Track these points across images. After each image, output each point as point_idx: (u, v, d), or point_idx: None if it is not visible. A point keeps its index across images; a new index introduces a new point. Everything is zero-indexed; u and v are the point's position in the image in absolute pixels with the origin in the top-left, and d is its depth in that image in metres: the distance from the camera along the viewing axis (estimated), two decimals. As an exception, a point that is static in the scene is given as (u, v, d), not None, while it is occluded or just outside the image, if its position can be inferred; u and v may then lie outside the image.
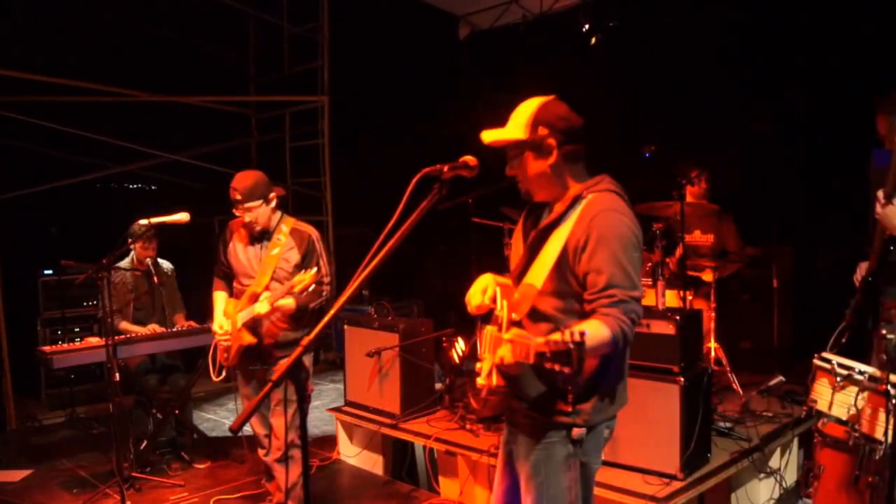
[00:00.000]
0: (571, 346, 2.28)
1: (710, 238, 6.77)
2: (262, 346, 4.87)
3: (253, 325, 4.82)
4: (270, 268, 4.81)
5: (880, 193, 3.79)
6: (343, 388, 6.71)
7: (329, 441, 6.87)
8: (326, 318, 2.60)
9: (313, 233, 4.95)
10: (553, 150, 2.89)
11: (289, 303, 4.72)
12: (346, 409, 6.51)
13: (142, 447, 6.27)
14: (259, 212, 4.77)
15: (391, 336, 6.10)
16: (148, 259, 6.65)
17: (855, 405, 3.19)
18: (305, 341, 2.56)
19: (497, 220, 6.32)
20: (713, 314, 6.27)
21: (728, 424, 5.41)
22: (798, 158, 7.38)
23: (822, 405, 3.45)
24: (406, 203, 2.54)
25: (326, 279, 4.88)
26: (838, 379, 3.27)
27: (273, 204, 4.85)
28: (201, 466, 6.39)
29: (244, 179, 4.74)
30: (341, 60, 10.41)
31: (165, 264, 6.89)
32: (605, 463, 4.88)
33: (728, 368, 6.26)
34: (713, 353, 6.25)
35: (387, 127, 10.45)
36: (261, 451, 5.22)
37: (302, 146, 10.78)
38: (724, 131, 7.55)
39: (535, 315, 2.88)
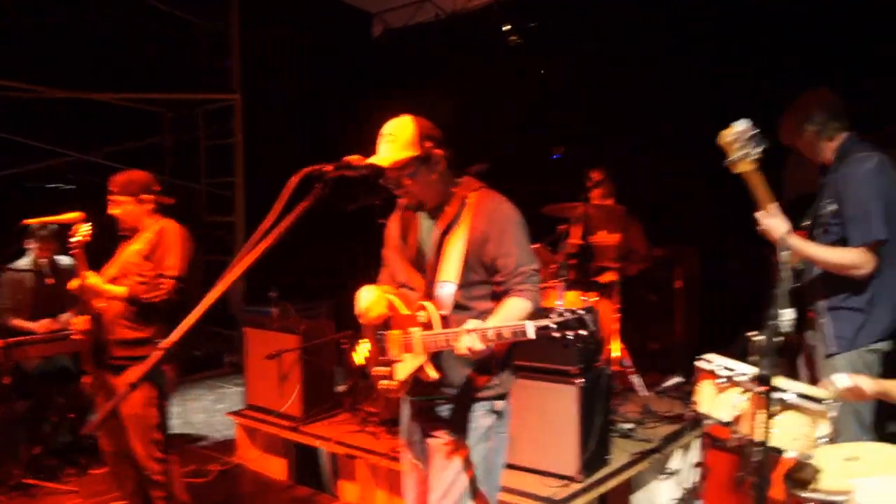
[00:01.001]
0: (582, 312, 2.67)
1: (615, 238, 6.77)
2: (101, 341, 4.56)
3: (95, 323, 4.57)
4: (123, 259, 4.59)
5: (758, 214, 3.68)
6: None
7: (230, 445, 6.68)
8: (192, 321, 2.48)
9: (171, 227, 4.65)
10: (441, 161, 3.15)
11: (118, 289, 4.44)
12: (247, 412, 6.36)
13: (35, 453, 6.03)
14: (126, 209, 4.58)
15: (292, 338, 5.97)
16: (44, 259, 6.42)
17: (736, 407, 3.18)
18: (165, 344, 2.48)
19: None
20: (617, 315, 6.26)
21: (629, 426, 5.41)
22: (706, 160, 7.40)
23: (704, 407, 3.42)
24: (297, 203, 2.49)
25: (169, 272, 4.47)
26: (720, 380, 3.25)
27: (147, 206, 4.64)
28: (97, 472, 6.16)
29: (124, 174, 4.63)
30: (255, 58, 10.22)
31: (67, 262, 6.64)
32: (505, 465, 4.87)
33: (632, 369, 6.26)
34: (616, 354, 6.26)
35: (301, 126, 10.28)
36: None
37: (216, 145, 10.55)
38: (632, 132, 7.57)
39: (455, 306, 3.10)
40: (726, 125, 3.37)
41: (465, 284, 3.11)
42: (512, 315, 2.98)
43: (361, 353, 5.41)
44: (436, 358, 3.06)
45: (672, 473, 5.31)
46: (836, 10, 6.51)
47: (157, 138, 10.93)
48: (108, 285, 4.46)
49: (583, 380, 4.58)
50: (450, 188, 3.23)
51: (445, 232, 3.17)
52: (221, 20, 10.16)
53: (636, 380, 6.21)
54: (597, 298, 6.59)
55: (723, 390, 3.23)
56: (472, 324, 2.86)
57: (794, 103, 4.03)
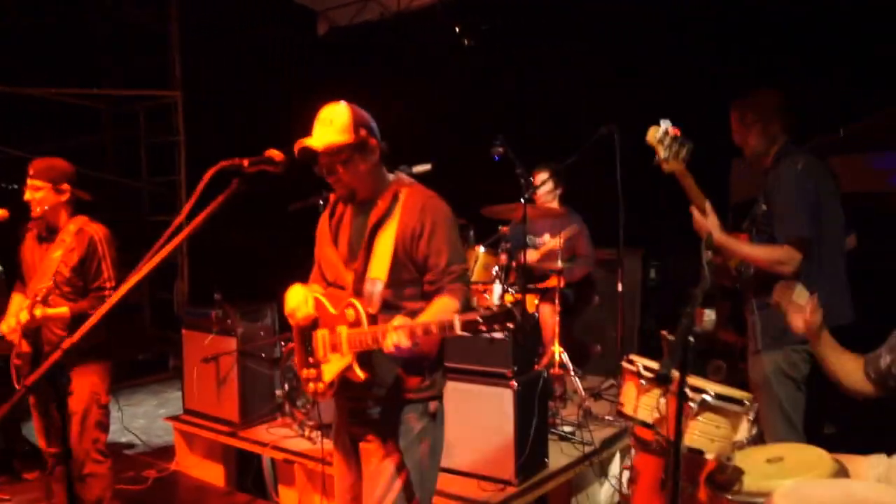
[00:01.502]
0: (510, 306, 2.66)
1: (559, 241, 6.72)
2: (43, 354, 4.46)
3: (32, 332, 4.46)
4: (51, 270, 4.45)
5: (692, 209, 3.88)
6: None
7: (168, 451, 6.56)
8: (94, 320, 2.59)
9: (98, 233, 4.54)
10: (376, 150, 3.12)
11: (61, 311, 4.38)
12: (185, 417, 6.25)
13: None
14: (43, 195, 4.45)
15: (229, 340, 5.87)
16: None
17: (658, 408, 3.17)
18: (66, 344, 2.53)
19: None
20: (557, 318, 6.22)
21: (569, 429, 5.38)
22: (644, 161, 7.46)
23: (628, 408, 3.43)
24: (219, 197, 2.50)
25: (110, 283, 4.46)
26: (643, 381, 3.23)
27: (64, 197, 4.53)
28: (31, 478, 6.03)
29: (45, 160, 4.53)
30: (198, 56, 10.07)
31: None
32: (441, 469, 4.82)
33: (572, 372, 6.24)
34: (558, 357, 6.23)
35: (245, 124, 10.15)
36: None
37: (158, 143, 10.40)
38: (575, 132, 7.56)
39: (384, 305, 3.05)
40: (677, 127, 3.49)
41: (394, 282, 3.07)
42: (441, 314, 2.92)
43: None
44: (364, 358, 3.00)
45: (611, 476, 5.30)
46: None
47: (97, 136, 10.74)
48: (52, 311, 4.35)
49: (518, 382, 4.54)
50: (383, 181, 3.19)
51: (376, 227, 3.12)
52: (162, 16, 9.98)
53: (577, 383, 6.18)
54: (538, 301, 6.58)
55: (645, 392, 3.22)
56: (398, 320, 2.83)
57: (751, 100, 4.13)
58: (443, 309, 2.97)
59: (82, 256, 4.45)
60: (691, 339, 2.39)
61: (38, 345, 4.48)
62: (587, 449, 5.10)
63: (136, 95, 10.23)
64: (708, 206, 3.78)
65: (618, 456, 5.41)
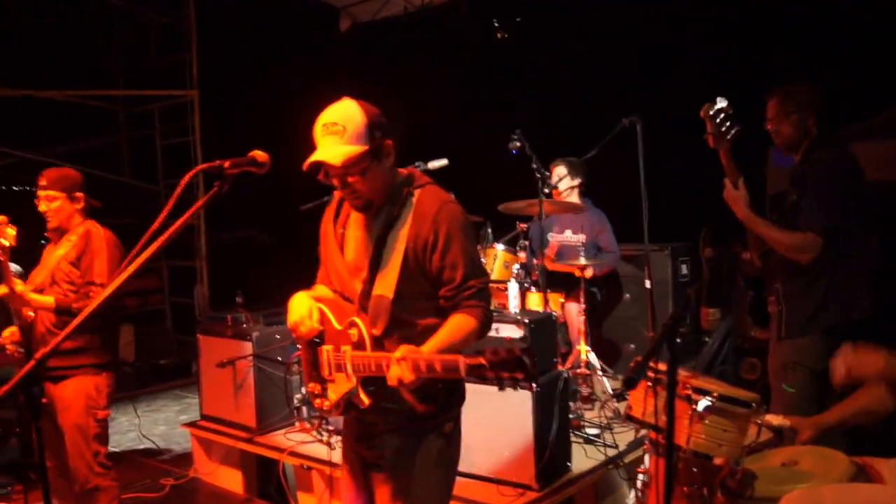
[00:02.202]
0: (520, 354, 2.35)
1: (581, 238, 6.58)
2: (34, 352, 4.38)
3: (26, 334, 4.42)
4: (50, 266, 4.43)
5: (726, 180, 3.95)
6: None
7: (188, 458, 6.45)
8: (73, 326, 2.39)
9: (99, 232, 4.50)
10: (391, 152, 2.82)
11: (46, 300, 4.29)
12: (202, 423, 6.14)
13: None
14: (59, 205, 4.44)
15: (245, 345, 5.74)
16: None
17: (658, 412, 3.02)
18: (39, 355, 2.37)
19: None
20: (583, 316, 6.06)
21: (594, 431, 5.22)
22: (688, 156, 7.34)
23: (636, 411, 3.29)
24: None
25: (98, 279, 4.33)
26: (650, 384, 3.07)
27: (79, 205, 4.52)
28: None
29: (57, 170, 4.49)
30: (215, 54, 9.98)
31: (15, 268, 6.41)
32: (460, 473, 4.69)
33: (599, 372, 6.07)
34: (584, 357, 6.07)
35: (264, 124, 10.06)
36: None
37: (174, 144, 10.31)
38: (597, 126, 7.42)
39: (393, 321, 2.82)
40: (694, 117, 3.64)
41: (403, 297, 2.80)
42: (456, 336, 2.72)
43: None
44: (369, 383, 2.77)
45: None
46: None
47: (112, 138, 10.69)
48: (35, 295, 4.29)
49: (537, 384, 4.38)
50: (396, 182, 2.89)
51: (384, 235, 2.84)
52: (180, 16, 9.90)
53: (605, 383, 6.01)
54: (563, 300, 6.43)
55: (653, 394, 3.05)
56: (401, 351, 2.57)
57: (793, 90, 4.12)
58: (458, 330, 2.74)
59: (80, 252, 4.39)
60: (678, 339, 2.22)
61: (32, 346, 4.41)
62: (611, 452, 4.93)
63: (151, 95, 10.15)
64: (741, 181, 3.88)
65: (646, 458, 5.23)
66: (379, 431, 2.93)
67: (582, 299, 6.09)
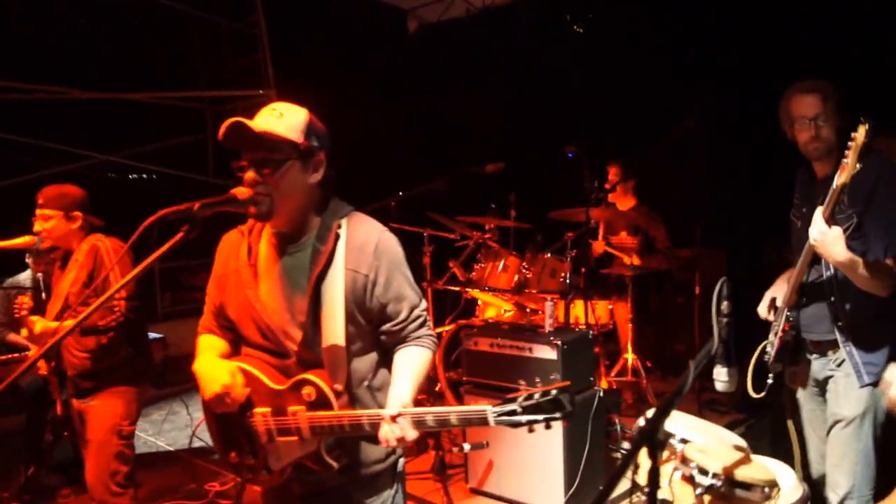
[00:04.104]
0: (556, 392, 2.19)
1: (636, 241, 6.48)
2: (67, 378, 4.39)
3: (54, 355, 4.37)
4: (63, 292, 4.30)
5: (819, 214, 3.14)
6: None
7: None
8: (58, 336, 2.39)
9: (105, 245, 4.31)
10: (321, 168, 2.54)
11: (66, 324, 3.98)
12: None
13: (30, 473, 5.81)
14: (53, 224, 4.28)
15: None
16: (39, 275, 6.31)
17: (671, 483, 2.70)
18: (20, 369, 2.38)
19: (418, 225, 6.14)
20: (630, 325, 5.94)
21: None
22: (731, 160, 7.13)
23: (641, 476, 2.91)
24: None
25: (119, 295, 4.13)
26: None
27: (76, 224, 4.35)
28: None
29: (54, 188, 4.33)
30: (289, 55, 10.14)
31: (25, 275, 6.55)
32: (489, 495, 4.61)
33: (644, 381, 5.93)
34: (630, 363, 5.94)
35: (334, 122, 10.12)
36: None
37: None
38: (654, 131, 7.26)
39: (350, 374, 2.55)
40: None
41: (352, 342, 2.54)
42: (421, 372, 2.56)
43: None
44: (334, 444, 2.51)
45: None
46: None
47: (199, 136, 10.84)
48: (55, 323, 4.15)
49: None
50: (316, 212, 2.60)
51: (320, 279, 2.52)
52: (249, 20, 10.03)
53: (650, 393, 5.87)
54: (611, 306, 6.32)
55: (662, 461, 2.64)
56: (396, 406, 2.37)
57: (828, 85, 3.50)
58: (419, 365, 2.58)
59: (90, 270, 4.25)
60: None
61: (60, 368, 4.39)
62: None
63: (232, 96, 10.32)
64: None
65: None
66: (327, 486, 2.64)
67: (629, 304, 5.98)
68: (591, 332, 4.88)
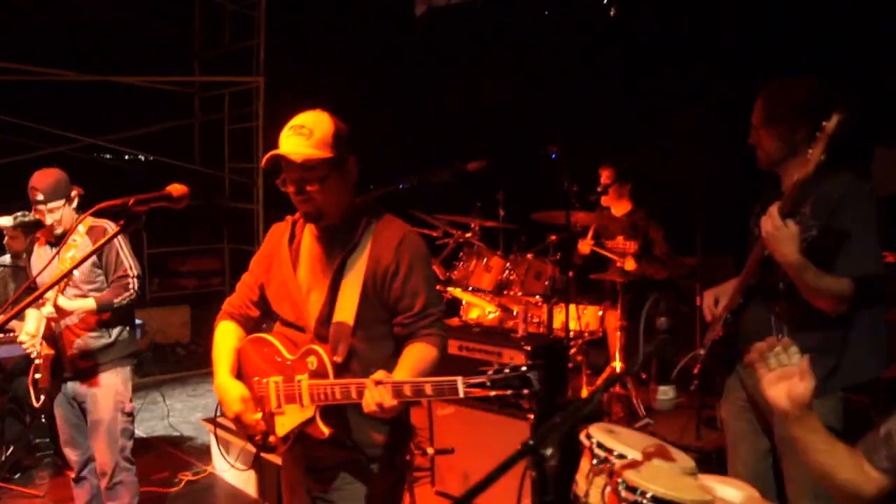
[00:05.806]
0: (525, 368, 2.32)
1: (634, 245, 6.23)
2: (65, 357, 4.36)
3: (51, 334, 4.33)
4: (64, 270, 4.21)
5: (774, 209, 2.94)
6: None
7: (208, 453, 6.33)
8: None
9: (110, 226, 4.33)
10: (354, 171, 2.81)
11: (87, 303, 4.23)
12: (221, 419, 5.96)
13: (8, 452, 5.86)
14: (63, 212, 4.32)
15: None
16: (19, 251, 6.19)
17: (603, 498, 2.54)
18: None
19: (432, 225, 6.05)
20: (619, 333, 5.72)
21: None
22: (732, 160, 6.95)
23: (580, 489, 2.68)
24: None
25: (132, 272, 4.34)
26: (595, 461, 2.63)
27: (75, 204, 4.41)
28: (72, 474, 5.91)
29: (45, 178, 4.29)
30: (284, 41, 9.94)
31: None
32: (456, 499, 4.45)
33: (633, 394, 5.71)
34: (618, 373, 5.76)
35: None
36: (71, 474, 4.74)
37: (240, 130, 10.26)
38: (654, 130, 7.06)
39: (352, 352, 2.76)
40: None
41: (363, 324, 2.76)
42: (423, 363, 2.69)
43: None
44: (328, 412, 2.68)
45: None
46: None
47: (182, 121, 10.73)
48: (75, 302, 4.22)
49: (537, 414, 4.06)
50: (353, 206, 2.86)
51: (344, 261, 2.79)
52: (248, 2, 9.84)
53: (638, 405, 5.66)
54: (601, 313, 6.11)
55: (597, 474, 2.57)
56: (380, 374, 2.52)
57: (793, 87, 3.22)
58: (421, 359, 2.71)
59: (99, 251, 4.34)
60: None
61: (60, 348, 4.36)
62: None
63: (222, 81, 10.11)
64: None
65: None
66: (330, 464, 2.84)
67: (619, 311, 5.78)
68: (568, 339, 4.69)
